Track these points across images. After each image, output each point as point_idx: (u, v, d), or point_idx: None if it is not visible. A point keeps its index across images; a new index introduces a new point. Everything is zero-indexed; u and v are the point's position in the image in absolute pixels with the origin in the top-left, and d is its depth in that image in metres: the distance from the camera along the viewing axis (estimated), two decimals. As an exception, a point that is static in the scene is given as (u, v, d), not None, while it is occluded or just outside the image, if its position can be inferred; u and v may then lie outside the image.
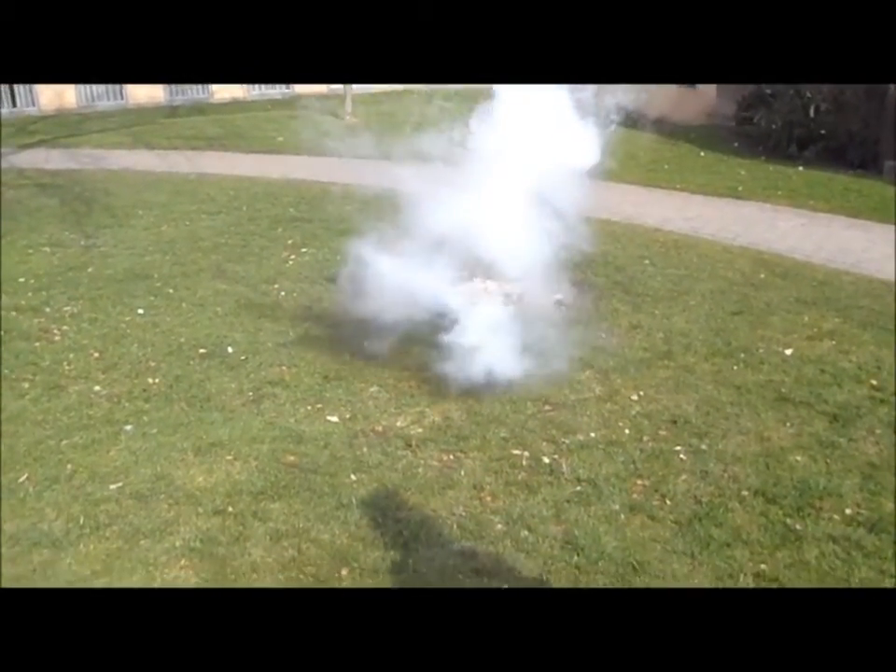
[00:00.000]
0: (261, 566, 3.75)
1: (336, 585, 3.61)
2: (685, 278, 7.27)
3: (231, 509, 4.15)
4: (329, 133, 13.10)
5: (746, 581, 3.58)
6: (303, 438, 4.77)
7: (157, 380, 5.52)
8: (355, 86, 16.53)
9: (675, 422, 4.89)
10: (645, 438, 4.74)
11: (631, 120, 7.45)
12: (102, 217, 9.71)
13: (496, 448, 4.63)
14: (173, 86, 19.58)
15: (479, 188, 6.37)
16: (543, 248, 6.71)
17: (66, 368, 5.71)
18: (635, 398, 5.19)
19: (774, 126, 11.98)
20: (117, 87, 19.14)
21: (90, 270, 7.81)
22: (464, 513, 4.10)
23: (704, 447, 4.63)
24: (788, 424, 4.86)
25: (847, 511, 4.06)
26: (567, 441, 4.67)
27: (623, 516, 4.06)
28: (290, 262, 8.01)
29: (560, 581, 3.62)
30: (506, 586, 3.58)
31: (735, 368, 5.58)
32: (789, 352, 5.79)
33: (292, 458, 4.57)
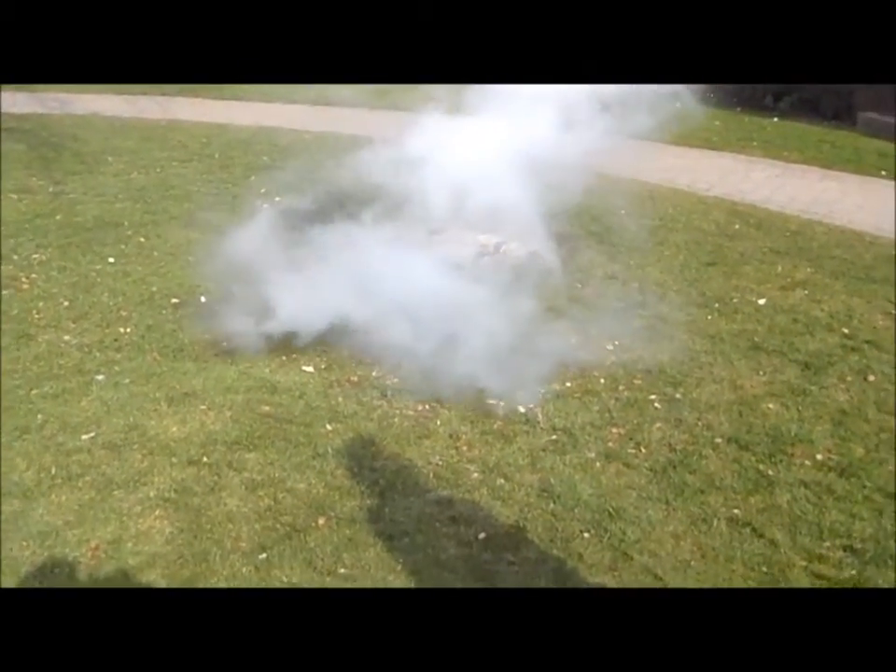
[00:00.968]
0: (237, 515, 3.75)
1: (313, 534, 3.62)
2: (660, 229, 7.26)
3: (205, 459, 4.13)
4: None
5: (720, 527, 3.63)
6: (278, 388, 4.74)
7: (128, 329, 5.45)
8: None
9: (650, 371, 4.92)
10: (620, 387, 4.76)
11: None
12: (70, 163, 9.51)
13: (471, 398, 4.63)
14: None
15: (457, 138, 6.33)
16: (519, 200, 6.70)
17: (36, 317, 5.63)
18: (610, 347, 5.20)
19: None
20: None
21: (58, 217, 7.66)
22: (440, 462, 4.11)
23: (678, 396, 4.66)
24: (760, 372, 4.91)
25: (818, 457, 4.11)
26: (542, 391, 4.68)
27: (598, 464, 4.09)
28: (263, 210, 7.90)
29: (536, 528, 3.65)
30: (482, 535, 3.61)
31: (710, 317, 5.61)
32: (762, 301, 5.82)
33: (267, 408, 4.55)
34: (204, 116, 11.96)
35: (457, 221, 7.45)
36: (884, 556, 3.44)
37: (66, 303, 5.85)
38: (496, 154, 6.63)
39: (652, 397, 4.66)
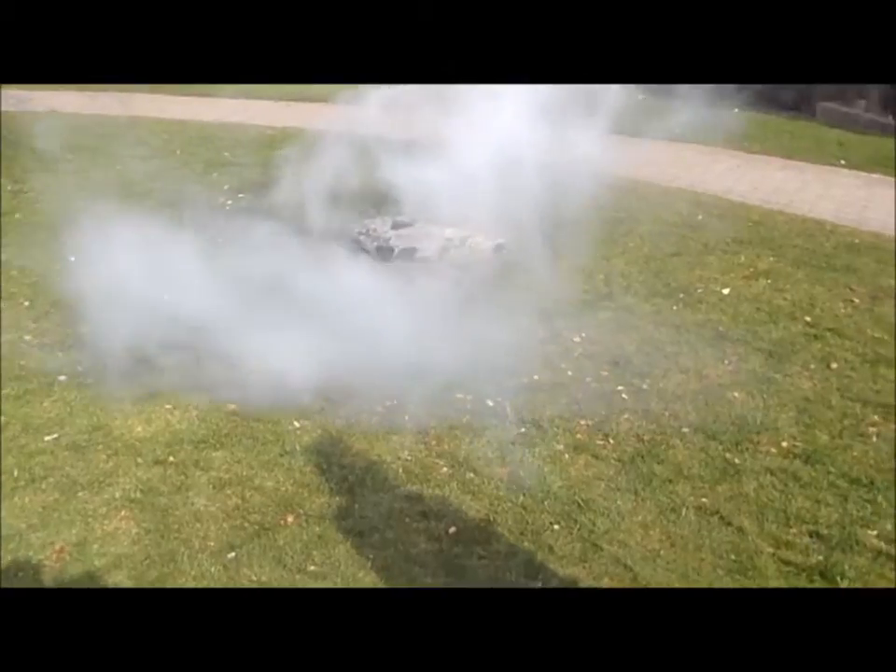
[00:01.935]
0: (204, 514, 3.71)
1: (282, 531, 3.60)
2: (624, 220, 7.29)
3: (171, 458, 4.09)
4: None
5: (688, 516, 3.66)
6: (244, 385, 4.69)
7: (91, 329, 5.36)
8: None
9: (616, 362, 4.94)
10: (587, 379, 4.77)
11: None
12: (29, 161, 9.34)
13: (439, 392, 4.62)
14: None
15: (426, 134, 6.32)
16: (486, 193, 6.70)
17: (-5, 318, 5.53)
18: (577, 339, 5.22)
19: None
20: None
21: (17, 216, 7.54)
22: (409, 457, 4.10)
23: (645, 386, 4.69)
24: (726, 361, 4.95)
25: (784, 444, 4.16)
26: (510, 384, 4.68)
27: (567, 456, 4.10)
28: (227, 208, 7.83)
29: (507, 521, 3.65)
30: (453, 529, 3.60)
31: (675, 308, 5.65)
32: (726, 291, 5.87)
33: (233, 406, 4.50)
34: (165, 112, 11.83)
35: (424, 215, 7.45)
36: (850, 542, 3.48)
37: (27, 303, 5.76)
38: (462, 148, 6.63)
39: (620, 388, 4.68)
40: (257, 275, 5.65)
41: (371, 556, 3.45)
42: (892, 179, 8.17)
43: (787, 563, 3.40)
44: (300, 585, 3.29)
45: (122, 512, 3.73)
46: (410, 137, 6.34)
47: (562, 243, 6.74)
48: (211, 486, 3.89)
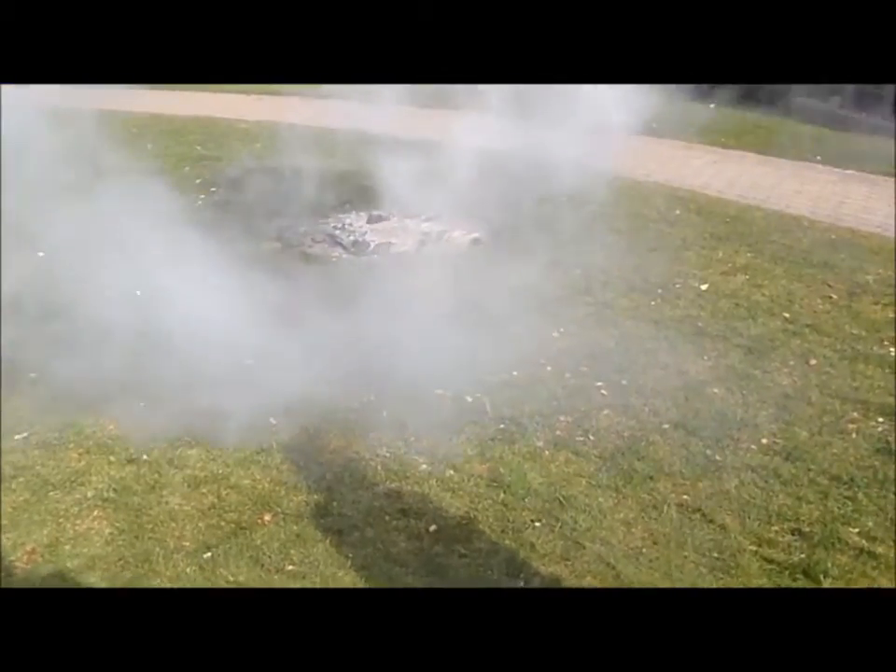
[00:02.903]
0: (179, 514, 3.63)
1: (259, 531, 3.53)
2: (602, 215, 7.25)
3: (145, 456, 4.00)
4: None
5: (670, 513, 3.63)
6: (219, 382, 4.61)
7: (61, 326, 5.26)
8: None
9: (595, 358, 4.91)
10: (567, 374, 4.74)
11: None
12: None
13: (413, 386, 4.57)
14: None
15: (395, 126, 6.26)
16: (460, 187, 6.66)
17: (-38, 314, 5.40)
18: (555, 335, 5.18)
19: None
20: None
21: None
22: (388, 454, 4.04)
23: (624, 382, 4.66)
24: (705, 357, 4.93)
25: (764, 441, 4.14)
26: (490, 380, 4.64)
27: (547, 452, 4.06)
28: (199, 202, 7.73)
29: (487, 518, 3.61)
30: (433, 528, 3.55)
31: (653, 303, 5.63)
32: (704, 287, 5.86)
33: (206, 403, 4.42)
34: (136, 105, 11.67)
35: (400, 209, 7.41)
36: (832, 539, 3.47)
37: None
38: (440, 142, 6.59)
39: (599, 384, 4.65)
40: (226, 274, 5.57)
41: (350, 555, 3.39)
42: (867, 175, 8.22)
43: (769, 561, 3.37)
44: (278, 585, 3.23)
45: (95, 512, 3.64)
46: (388, 131, 6.25)
47: (538, 237, 6.72)
48: (186, 485, 3.81)
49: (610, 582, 3.26)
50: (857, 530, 3.54)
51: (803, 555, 3.39)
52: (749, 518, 3.62)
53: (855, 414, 4.36)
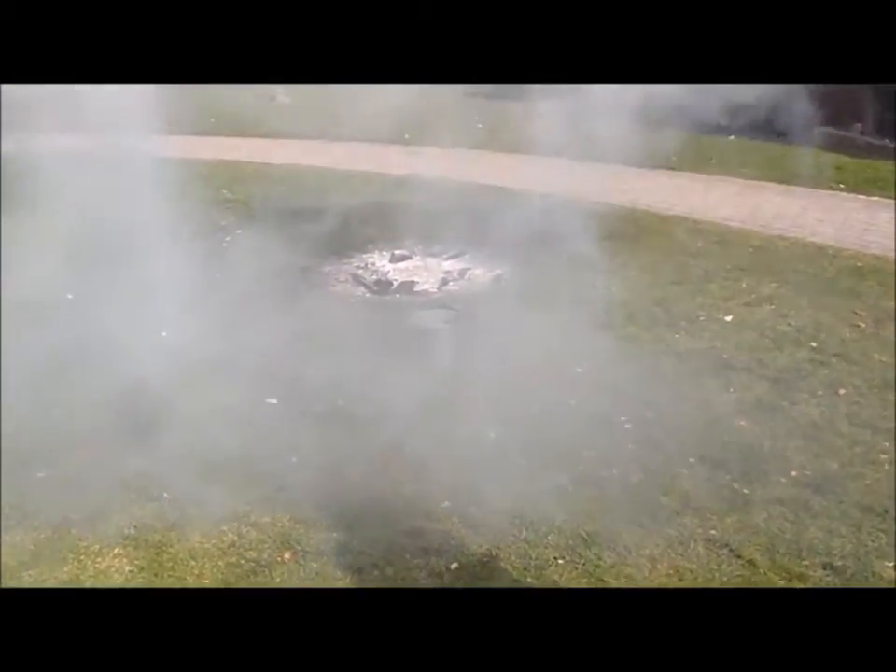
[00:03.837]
0: (199, 551, 3.61)
1: (278, 568, 3.50)
2: (623, 250, 7.24)
3: (166, 494, 3.99)
4: (262, 114, 12.85)
5: (697, 548, 3.56)
6: (240, 420, 4.61)
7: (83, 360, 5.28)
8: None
9: (619, 392, 4.85)
10: (590, 409, 4.68)
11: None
12: (22, 199, 9.31)
13: (436, 423, 4.53)
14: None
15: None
16: (482, 225, 6.68)
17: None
18: (579, 370, 5.14)
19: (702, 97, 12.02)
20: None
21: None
22: (409, 492, 4.00)
23: (649, 415, 4.60)
24: (730, 389, 4.86)
25: (793, 473, 4.06)
26: (513, 415, 4.59)
27: (570, 488, 4.00)
28: (225, 244, 7.80)
29: (510, 556, 3.55)
30: (455, 565, 3.50)
31: (677, 336, 5.58)
32: (728, 318, 5.80)
33: (230, 442, 4.41)
34: (163, 151, 11.83)
35: (422, 248, 7.45)
36: (865, 573, 3.38)
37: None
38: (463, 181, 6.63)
39: (623, 418, 4.59)
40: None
41: (370, 595, 3.34)
42: (892, 201, 8.14)
43: (800, 595, 3.28)
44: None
45: (115, 550, 3.63)
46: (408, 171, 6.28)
47: (561, 273, 6.69)
48: (206, 522, 3.78)
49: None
50: (892, 563, 3.44)
51: (835, 590, 3.30)
52: (779, 553, 3.54)
53: (887, 444, 4.26)
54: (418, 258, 7.35)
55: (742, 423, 4.50)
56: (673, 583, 3.37)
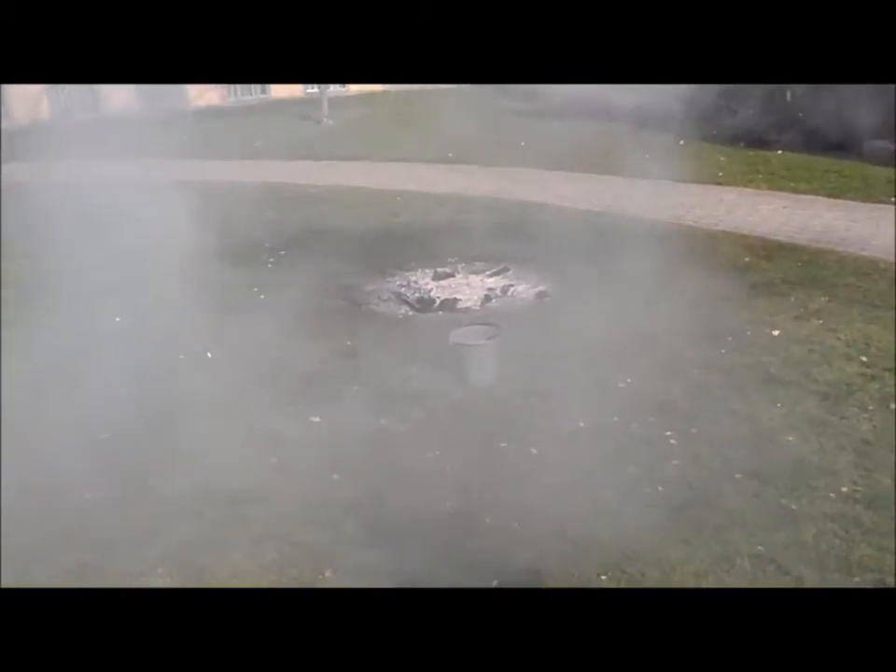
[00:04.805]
0: (241, 569, 3.63)
1: (320, 586, 3.50)
2: (670, 266, 7.16)
3: (210, 513, 4.02)
4: (307, 137, 13.00)
5: (743, 565, 3.49)
6: (285, 439, 4.64)
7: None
8: (331, 88, 16.43)
9: (664, 407, 4.79)
10: (634, 424, 4.63)
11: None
12: (66, 228, 9.47)
13: (479, 441, 4.52)
14: (149, 94, 19.35)
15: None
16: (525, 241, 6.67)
17: None
18: (622, 385, 5.09)
19: (751, 111, 11.91)
20: (91, 97, 18.81)
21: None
22: (452, 507, 3.98)
23: (694, 431, 4.53)
24: (778, 404, 4.77)
25: (844, 489, 3.97)
26: (555, 431, 4.56)
27: (614, 504, 3.95)
28: (269, 265, 7.90)
29: (553, 572, 3.51)
30: (496, 583, 3.47)
31: (723, 351, 5.50)
32: (776, 333, 5.71)
33: (274, 460, 4.44)
34: (208, 176, 12.02)
35: (465, 265, 7.46)
36: (918, 589, 3.28)
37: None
38: (505, 198, 6.63)
39: (668, 433, 4.53)
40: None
41: (411, 611, 3.32)
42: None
43: (851, 613, 3.20)
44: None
45: (159, 569, 3.67)
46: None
47: (606, 288, 6.65)
48: (249, 541, 3.81)
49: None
50: (946, 581, 3.34)
51: (887, 608, 3.21)
52: (829, 570, 3.45)
53: (940, 460, 4.15)
54: (461, 275, 7.35)
55: (790, 438, 4.42)
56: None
